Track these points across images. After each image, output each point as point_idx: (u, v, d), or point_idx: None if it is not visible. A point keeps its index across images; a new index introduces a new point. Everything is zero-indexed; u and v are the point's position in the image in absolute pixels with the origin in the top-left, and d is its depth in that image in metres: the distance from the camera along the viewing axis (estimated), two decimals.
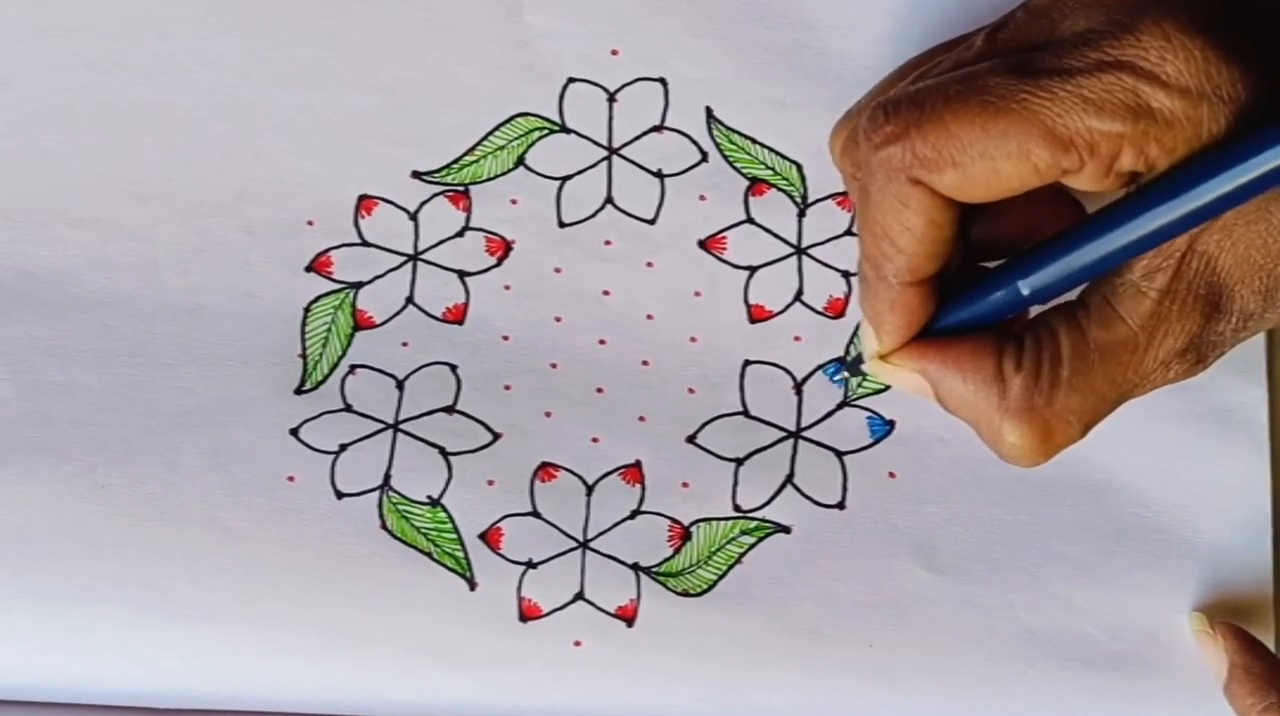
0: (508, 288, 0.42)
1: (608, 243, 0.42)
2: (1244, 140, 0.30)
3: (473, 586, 0.40)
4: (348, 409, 0.41)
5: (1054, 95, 0.31)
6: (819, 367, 0.42)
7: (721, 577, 0.40)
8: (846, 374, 0.40)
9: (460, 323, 0.42)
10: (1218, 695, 0.40)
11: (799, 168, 0.43)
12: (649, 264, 0.42)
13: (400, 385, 0.41)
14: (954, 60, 0.35)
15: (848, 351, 0.42)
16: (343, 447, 0.41)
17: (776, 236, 0.42)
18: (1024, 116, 0.31)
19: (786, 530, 0.41)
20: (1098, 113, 0.31)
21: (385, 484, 0.41)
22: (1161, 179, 0.31)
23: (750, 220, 0.42)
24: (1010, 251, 0.35)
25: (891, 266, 0.34)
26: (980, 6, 0.43)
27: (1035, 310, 0.35)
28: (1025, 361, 0.34)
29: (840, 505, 0.41)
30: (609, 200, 0.43)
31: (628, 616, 0.40)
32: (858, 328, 0.42)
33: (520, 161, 0.43)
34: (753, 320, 0.42)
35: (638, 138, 0.43)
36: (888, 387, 0.42)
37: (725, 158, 0.43)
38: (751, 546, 0.41)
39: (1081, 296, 0.35)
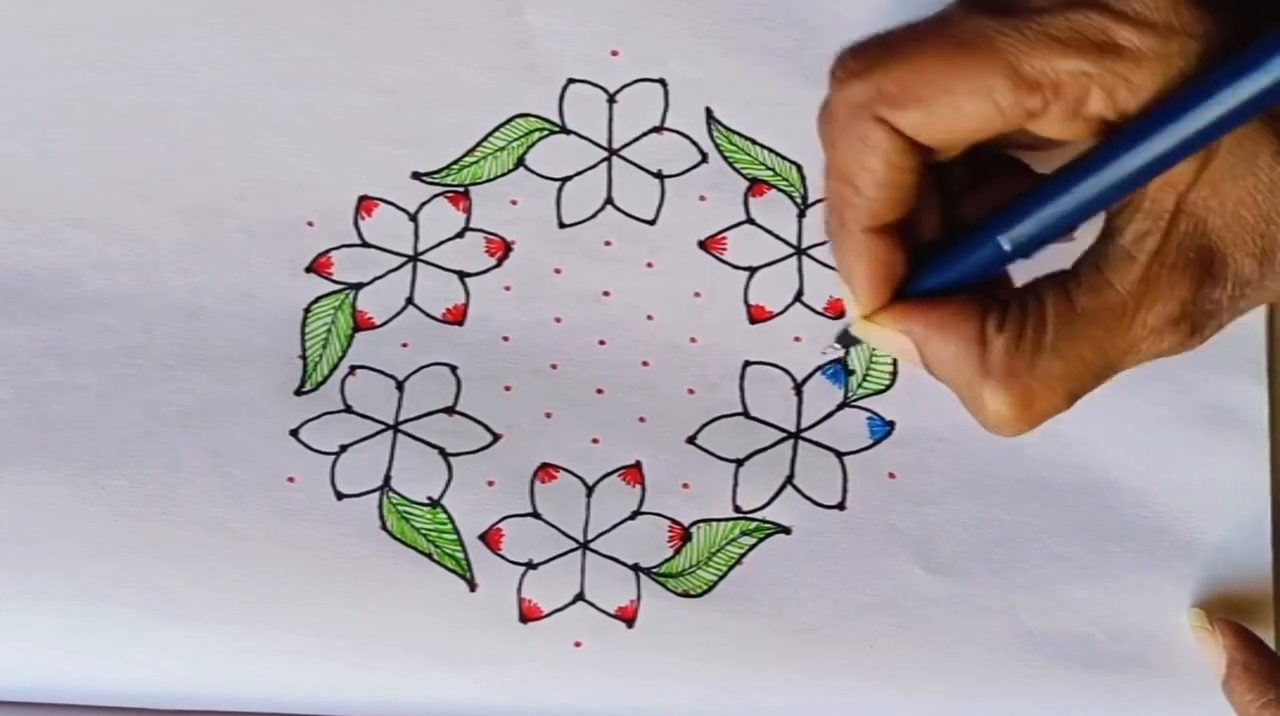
0: (508, 288, 0.42)
1: (608, 243, 0.42)
2: (1215, 71, 0.30)
3: (473, 587, 0.40)
4: (348, 410, 0.41)
5: (1020, 34, 0.31)
6: (818, 368, 0.42)
7: (722, 578, 0.40)
8: (838, 346, 0.40)
9: (460, 323, 0.42)
10: (1218, 695, 0.40)
11: (799, 168, 0.43)
12: (649, 264, 0.42)
13: (400, 386, 0.41)
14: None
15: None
16: (343, 448, 0.41)
17: (776, 237, 0.42)
18: (988, 54, 0.31)
19: (787, 531, 0.41)
20: (1064, 51, 0.30)
21: (385, 485, 0.41)
22: (1136, 119, 0.31)
23: (750, 221, 0.42)
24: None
25: (852, 212, 0.33)
26: None
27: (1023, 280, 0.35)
28: (1008, 325, 0.34)
29: (840, 506, 0.41)
30: (609, 201, 0.43)
31: (628, 617, 0.40)
32: None
33: (520, 162, 0.43)
34: (753, 321, 0.42)
35: (638, 138, 0.43)
36: (888, 388, 0.42)
37: (725, 158, 0.43)
38: (752, 547, 0.41)
39: (1074, 266, 0.34)
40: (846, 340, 0.39)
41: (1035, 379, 0.33)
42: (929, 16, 0.32)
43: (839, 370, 0.42)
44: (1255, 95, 0.30)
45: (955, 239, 0.35)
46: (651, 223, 0.43)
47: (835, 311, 0.42)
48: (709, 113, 0.43)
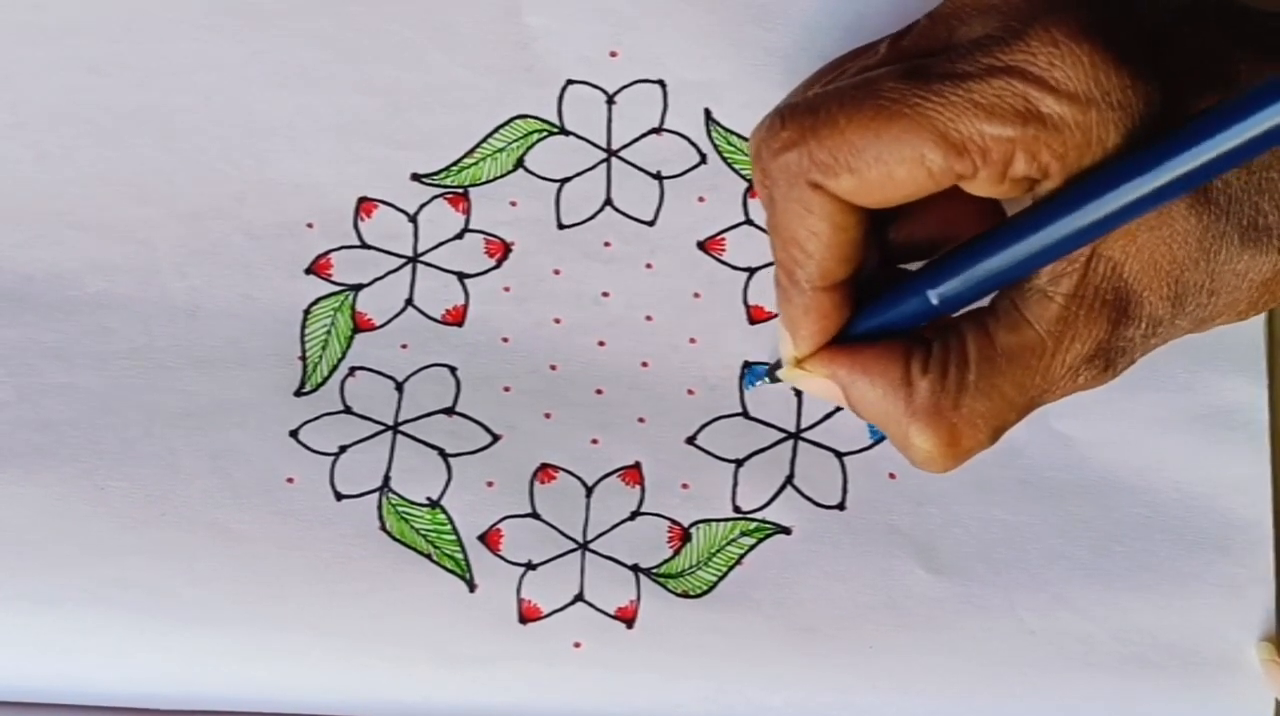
0: (507, 289, 0.42)
1: (607, 244, 0.42)
2: (1140, 153, 0.31)
3: (472, 588, 0.40)
4: (347, 411, 0.41)
5: (946, 99, 0.31)
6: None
7: (721, 578, 0.40)
8: (767, 380, 0.40)
9: (460, 324, 0.42)
10: (1218, 695, 0.40)
11: None
12: (648, 265, 0.42)
13: (400, 387, 0.41)
14: (858, 67, 0.35)
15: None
16: (342, 449, 0.41)
17: None
18: (916, 120, 0.31)
19: (787, 531, 0.41)
20: (988, 117, 0.31)
21: (385, 485, 0.41)
22: (1064, 189, 0.32)
23: (749, 221, 0.42)
24: (929, 252, 0.35)
25: (803, 272, 0.34)
26: None
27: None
28: (932, 365, 0.34)
29: (840, 506, 0.41)
30: (608, 202, 0.43)
31: (627, 617, 0.40)
32: None
33: (519, 163, 0.43)
34: (752, 321, 0.42)
35: (637, 139, 0.43)
36: None
37: (724, 159, 0.43)
38: (751, 547, 0.41)
39: (992, 302, 0.35)
40: (774, 376, 0.39)
41: (960, 418, 0.34)
42: (857, 80, 0.33)
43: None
44: (1180, 177, 0.30)
45: (885, 287, 0.35)
46: (651, 223, 0.43)
47: None
48: (708, 114, 0.43)
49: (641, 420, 0.41)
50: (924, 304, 0.34)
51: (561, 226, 0.42)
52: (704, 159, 0.43)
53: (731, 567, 0.41)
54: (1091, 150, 0.31)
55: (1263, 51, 0.33)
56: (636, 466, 0.41)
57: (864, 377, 0.35)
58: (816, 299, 0.34)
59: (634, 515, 0.41)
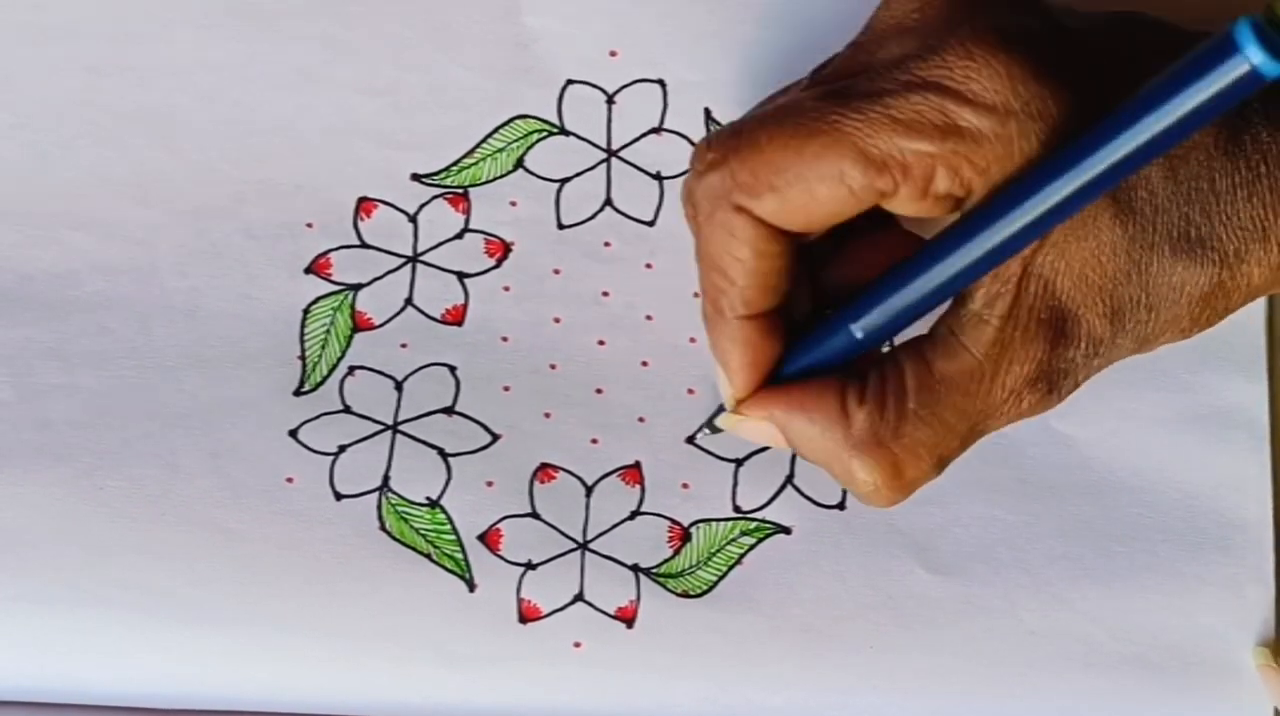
0: (507, 289, 0.42)
1: (607, 244, 0.42)
2: (1054, 156, 0.30)
3: (472, 587, 0.40)
4: (347, 410, 0.41)
5: (865, 117, 0.31)
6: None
7: (721, 578, 0.40)
8: (708, 432, 0.40)
9: (459, 324, 0.42)
10: (1218, 696, 0.40)
11: None
12: (648, 265, 0.42)
13: (399, 386, 0.41)
14: (783, 97, 0.35)
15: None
16: (342, 449, 0.41)
17: None
18: (835, 138, 0.31)
19: (786, 531, 0.41)
20: (907, 132, 0.31)
21: (384, 485, 0.41)
22: (979, 205, 0.31)
23: None
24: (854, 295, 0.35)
25: (727, 300, 0.34)
26: None
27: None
28: (869, 395, 0.34)
29: (840, 505, 0.41)
30: (608, 202, 0.43)
31: (627, 617, 0.40)
32: None
33: (519, 163, 0.43)
34: None
35: (636, 139, 0.43)
36: None
37: None
38: (751, 547, 0.41)
39: (930, 329, 0.34)
40: (714, 427, 0.39)
41: (902, 447, 0.34)
42: (781, 102, 0.33)
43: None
44: (1095, 178, 0.29)
45: (811, 326, 0.35)
46: (650, 224, 0.43)
47: None
48: (708, 113, 0.43)
49: (641, 420, 0.41)
50: (849, 338, 0.34)
51: (561, 226, 0.42)
52: None
53: (731, 567, 0.41)
54: (1014, 162, 0.31)
55: (1177, 60, 0.33)
56: (636, 466, 0.41)
57: (801, 414, 0.34)
58: (743, 329, 0.34)
59: (634, 515, 0.41)
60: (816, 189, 0.31)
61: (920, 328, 0.34)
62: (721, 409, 0.37)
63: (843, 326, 0.34)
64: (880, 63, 0.32)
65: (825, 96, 0.32)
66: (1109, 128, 0.29)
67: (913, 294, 0.33)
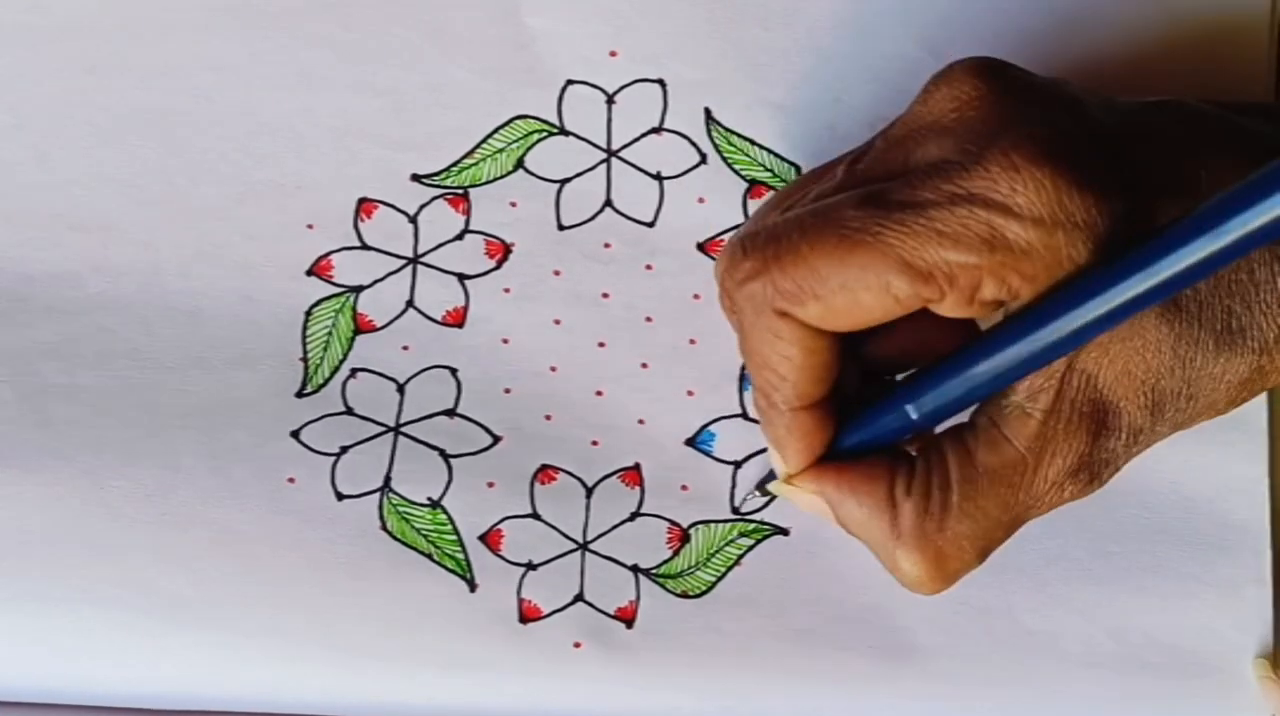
0: (507, 290, 0.42)
1: (607, 245, 0.42)
2: (1109, 267, 0.31)
3: (473, 588, 0.40)
4: (349, 412, 0.41)
5: (908, 228, 0.31)
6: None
7: (720, 579, 0.41)
8: (758, 494, 0.41)
9: (460, 326, 0.42)
10: (1216, 696, 0.40)
11: (798, 169, 0.43)
12: (648, 267, 0.42)
13: (401, 388, 0.41)
14: (816, 193, 0.34)
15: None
16: (343, 450, 0.41)
17: None
18: (880, 250, 0.31)
19: (785, 532, 0.41)
20: (953, 245, 0.31)
21: (386, 485, 0.41)
22: (1034, 305, 0.32)
23: None
24: (907, 365, 0.35)
25: (779, 395, 0.34)
26: (977, 6, 0.43)
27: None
28: (915, 487, 0.34)
29: None
30: (608, 203, 0.43)
31: (627, 618, 0.40)
32: None
33: (519, 164, 0.43)
34: None
35: (637, 139, 0.43)
36: None
37: (724, 159, 0.43)
38: (750, 548, 0.41)
39: (971, 418, 0.35)
40: (765, 489, 0.40)
41: (945, 541, 0.34)
42: (817, 206, 0.33)
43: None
44: (1148, 290, 0.30)
45: (870, 398, 0.35)
46: (651, 225, 0.43)
47: None
48: (708, 113, 0.43)
49: (641, 421, 0.41)
50: (904, 419, 0.34)
51: (561, 227, 0.42)
52: (704, 159, 0.43)
53: (730, 568, 0.41)
54: (1063, 269, 0.31)
55: (1220, 149, 0.33)
56: (636, 467, 0.41)
57: (851, 497, 0.35)
58: (797, 419, 0.34)
59: (633, 516, 0.41)
60: (861, 297, 0.32)
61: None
62: (771, 475, 0.38)
63: (898, 407, 0.34)
64: (919, 165, 0.32)
65: (865, 203, 0.32)
66: (1170, 241, 0.30)
67: (969, 383, 0.33)
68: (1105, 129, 0.33)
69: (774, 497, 0.40)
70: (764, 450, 0.41)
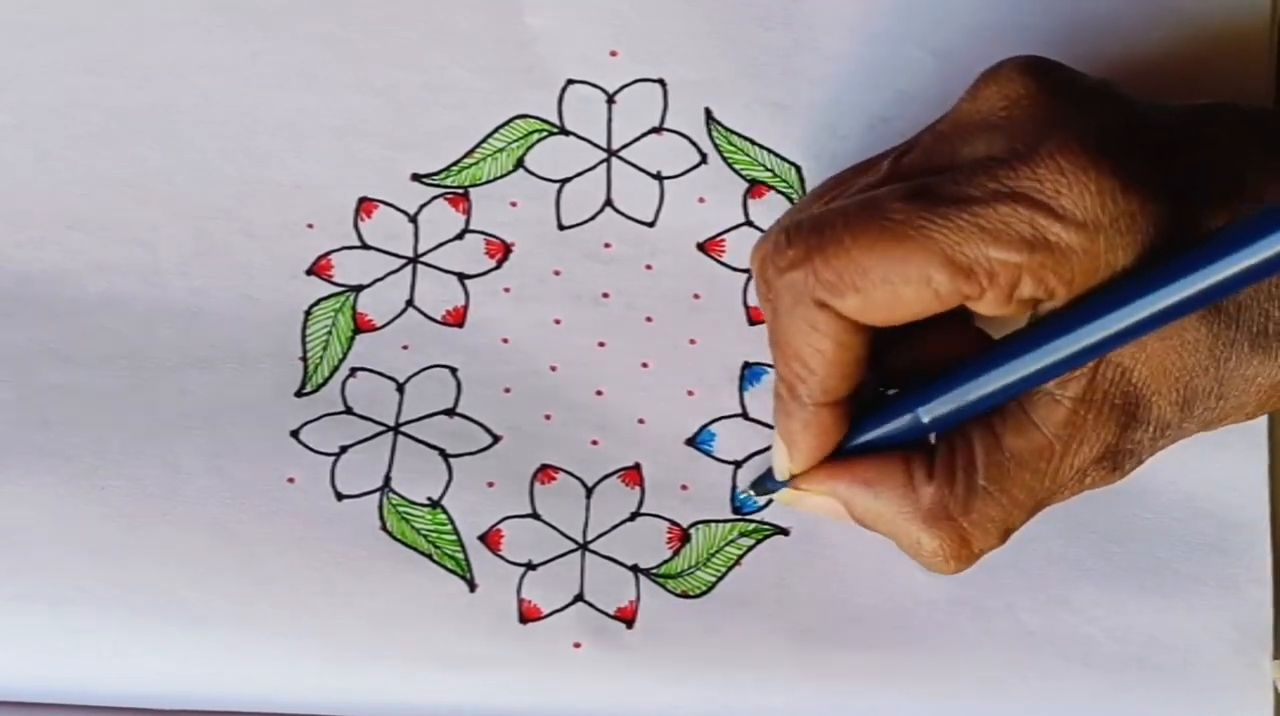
0: (507, 290, 0.42)
1: (607, 245, 0.42)
2: (1150, 274, 0.31)
3: (473, 588, 0.40)
4: (348, 411, 0.41)
5: (953, 223, 0.31)
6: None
7: (720, 579, 0.41)
8: (753, 493, 0.41)
9: (460, 325, 0.42)
10: (1216, 696, 0.40)
11: (798, 169, 0.43)
12: (648, 266, 0.42)
13: (401, 388, 0.41)
14: (861, 185, 0.35)
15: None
16: (343, 449, 0.41)
17: None
18: (923, 243, 0.31)
19: (785, 532, 0.41)
20: (995, 242, 0.31)
21: (385, 485, 0.41)
22: (1061, 312, 0.32)
23: (749, 223, 0.42)
24: (915, 377, 0.35)
25: (805, 387, 0.34)
26: (977, 6, 0.43)
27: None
28: (938, 470, 0.34)
29: None
30: (608, 202, 0.43)
31: (627, 617, 0.40)
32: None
33: (520, 164, 0.43)
34: (752, 322, 0.42)
35: (637, 139, 0.43)
36: None
37: (724, 159, 0.43)
38: (750, 548, 0.41)
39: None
40: (761, 488, 0.39)
41: (970, 522, 0.34)
42: (862, 198, 0.33)
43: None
44: (1191, 297, 0.30)
45: (874, 405, 0.35)
46: (651, 224, 0.43)
47: None
48: (708, 113, 0.43)
49: (641, 421, 0.41)
50: (915, 422, 0.34)
51: (562, 227, 0.42)
52: (704, 158, 0.43)
53: (730, 568, 0.41)
54: (1101, 274, 0.31)
55: (1272, 156, 0.33)
56: (636, 467, 0.41)
57: (865, 490, 0.35)
58: (818, 415, 0.34)
59: (633, 516, 0.41)
60: (902, 290, 0.32)
61: None
62: (767, 475, 0.38)
63: (909, 411, 0.34)
64: (966, 162, 0.32)
65: (911, 197, 0.32)
66: (1214, 251, 0.30)
67: (984, 388, 0.33)
68: (1154, 133, 0.33)
69: (759, 501, 0.40)
70: (764, 450, 0.41)
